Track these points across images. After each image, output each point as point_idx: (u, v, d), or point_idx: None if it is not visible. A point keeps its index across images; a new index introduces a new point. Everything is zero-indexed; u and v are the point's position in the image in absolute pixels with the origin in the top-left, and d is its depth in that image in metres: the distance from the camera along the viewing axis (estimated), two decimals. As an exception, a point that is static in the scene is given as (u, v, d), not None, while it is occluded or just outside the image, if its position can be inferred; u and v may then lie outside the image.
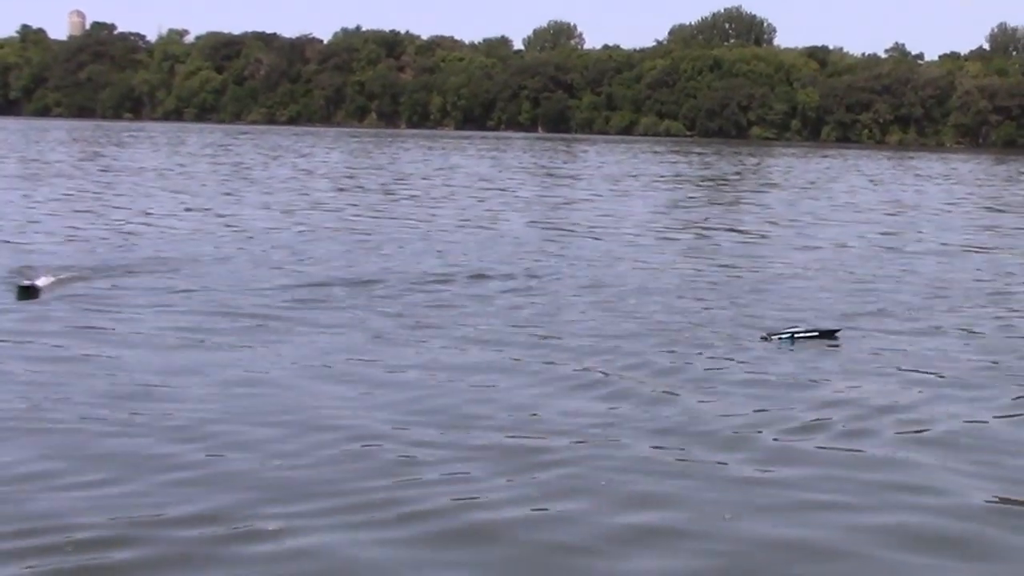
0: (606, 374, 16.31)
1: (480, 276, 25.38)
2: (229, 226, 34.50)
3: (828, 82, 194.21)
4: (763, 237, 36.02)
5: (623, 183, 62.29)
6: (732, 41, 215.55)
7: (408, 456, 12.46)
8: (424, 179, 60.55)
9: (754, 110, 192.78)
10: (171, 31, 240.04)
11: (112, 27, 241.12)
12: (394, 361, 16.80)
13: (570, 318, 20.58)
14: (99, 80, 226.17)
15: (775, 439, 13.43)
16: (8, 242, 29.08)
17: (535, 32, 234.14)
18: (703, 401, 15.05)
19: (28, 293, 20.96)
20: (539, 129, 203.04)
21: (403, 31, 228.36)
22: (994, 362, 17.82)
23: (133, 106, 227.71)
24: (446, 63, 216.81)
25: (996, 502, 11.71)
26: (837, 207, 49.89)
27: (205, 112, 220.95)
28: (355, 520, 10.69)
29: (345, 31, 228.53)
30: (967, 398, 15.55)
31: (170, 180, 54.24)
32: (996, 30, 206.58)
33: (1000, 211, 50.99)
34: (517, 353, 17.50)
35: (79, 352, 16.69)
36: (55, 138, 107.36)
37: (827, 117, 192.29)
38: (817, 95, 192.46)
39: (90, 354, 16.67)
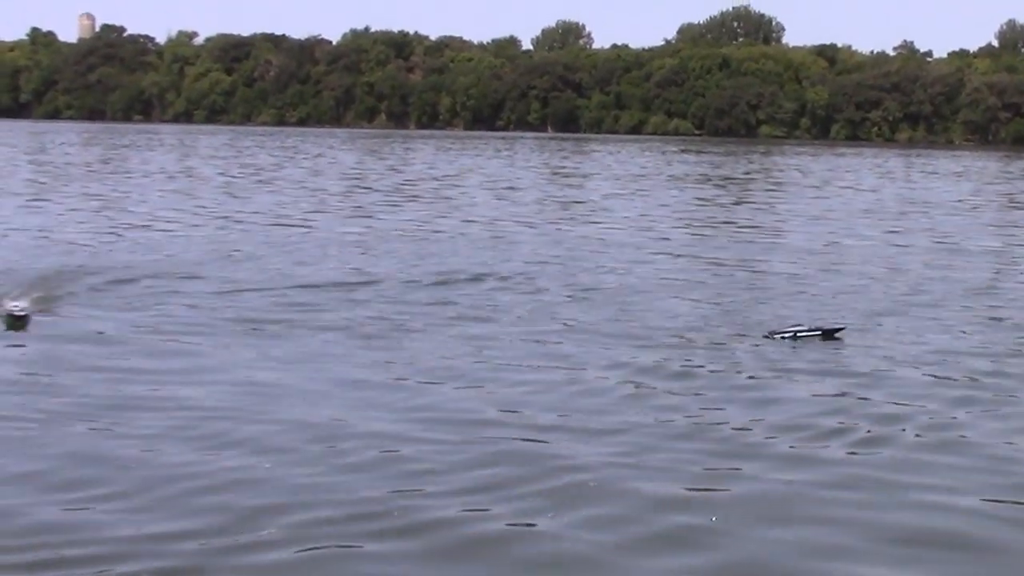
0: (610, 376, 16.33)
1: (495, 276, 25.52)
2: (260, 227, 34.70)
3: (837, 80, 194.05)
4: (776, 235, 36.12)
5: (636, 182, 62.34)
6: (741, 40, 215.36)
7: (420, 462, 12.43)
8: (438, 179, 60.71)
9: (763, 109, 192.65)
10: (180, 33, 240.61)
11: (122, 29, 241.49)
12: (401, 364, 16.86)
13: (575, 318, 20.62)
14: (109, 82, 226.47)
15: (783, 443, 13.45)
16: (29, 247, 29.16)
17: (544, 32, 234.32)
18: (708, 404, 15.05)
19: (17, 323, 18.77)
20: (548, 129, 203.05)
21: (412, 32, 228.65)
22: (1002, 361, 17.84)
23: (143, 108, 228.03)
24: (455, 63, 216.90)
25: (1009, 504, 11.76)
26: (849, 205, 49.93)
27: (215, 114, 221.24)
28: (365, 530, 10.67)
29: (354, 32, 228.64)
30: (974, 399, 15.56)
31: (200, 182, 54.49)
32: (1005, 27, 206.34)
33: (1018, 208, 51.09)
34: (523, 356, 17.53)
35: (71, 365, 16.49)
36: (67, 140, 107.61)
37: (836, 115, 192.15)
38: (826, 93, 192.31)
39: (90, 364, 16.61)
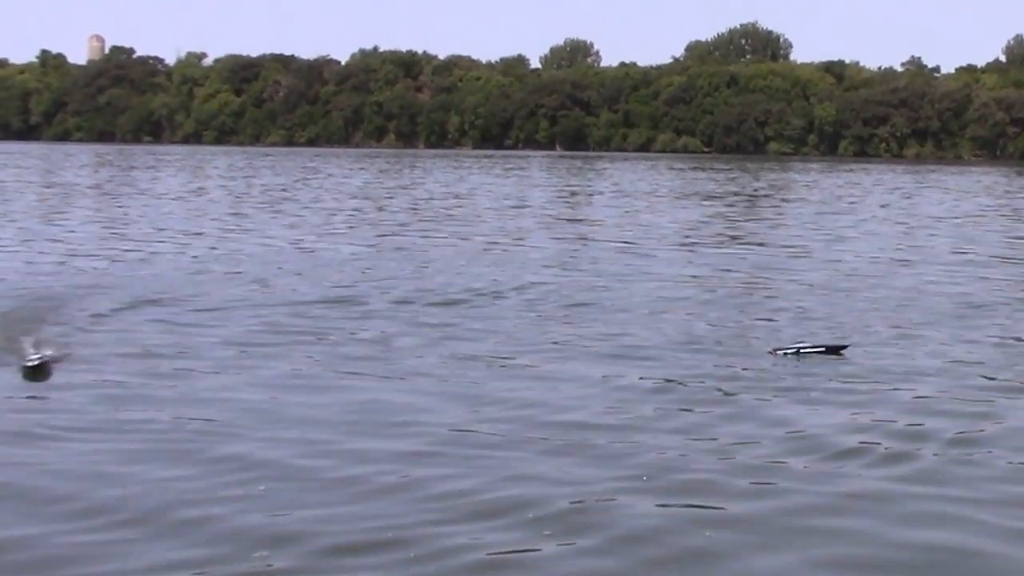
0: (612, 394, 16.19)
1: (498, 293, 25.50)
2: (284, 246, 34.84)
3: (845, 96, 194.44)
4: (785, 250, 36.06)
5: (648, 199, 62.46)
6: (748, 57, 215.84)
7: (428, 486, 12.19)
8: (456, 198, 60.91)
9: (771, 125, 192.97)
10: (189, 54, 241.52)
11: (131, 51, 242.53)
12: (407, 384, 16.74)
13: (577, 334, 20.53)
14: (118, 104, 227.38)
15: (799, 462, 13.23)
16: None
17: (552, 50, 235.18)
18: (716, 420, 14.89)
19: (37, 373, 16.52)
20: (557, 147, 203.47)
21: (420, 51, 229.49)
22: (1012, 372, 17.81)
23: (152, 129, 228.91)
24: (463, 82, 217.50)
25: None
26: (859, 220, 49.99)
27: (224, 135, 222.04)
28: (376, 562, 10.42)
29: (363, 52, 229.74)
30: (988, 414, 15.43)
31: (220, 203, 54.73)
32: (1012, 42, 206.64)
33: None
34: (526, 374, 17.36)
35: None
36: (79, 161, 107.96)
37: (844, 131, 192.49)
38: (834, 109, 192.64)
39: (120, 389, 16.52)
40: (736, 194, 71.57)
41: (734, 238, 41.19)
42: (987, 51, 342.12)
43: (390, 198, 61.17)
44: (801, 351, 18.63)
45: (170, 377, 16.75)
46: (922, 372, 17.74)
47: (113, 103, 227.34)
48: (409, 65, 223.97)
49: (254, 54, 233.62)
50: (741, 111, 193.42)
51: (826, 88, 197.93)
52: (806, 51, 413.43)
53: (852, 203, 63.54)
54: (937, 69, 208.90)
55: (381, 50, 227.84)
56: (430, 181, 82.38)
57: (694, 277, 29.26)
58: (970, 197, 72.69)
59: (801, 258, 34.27)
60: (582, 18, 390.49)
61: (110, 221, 43.83)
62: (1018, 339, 20.86)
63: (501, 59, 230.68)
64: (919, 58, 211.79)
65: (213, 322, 21.36)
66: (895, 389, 16.62)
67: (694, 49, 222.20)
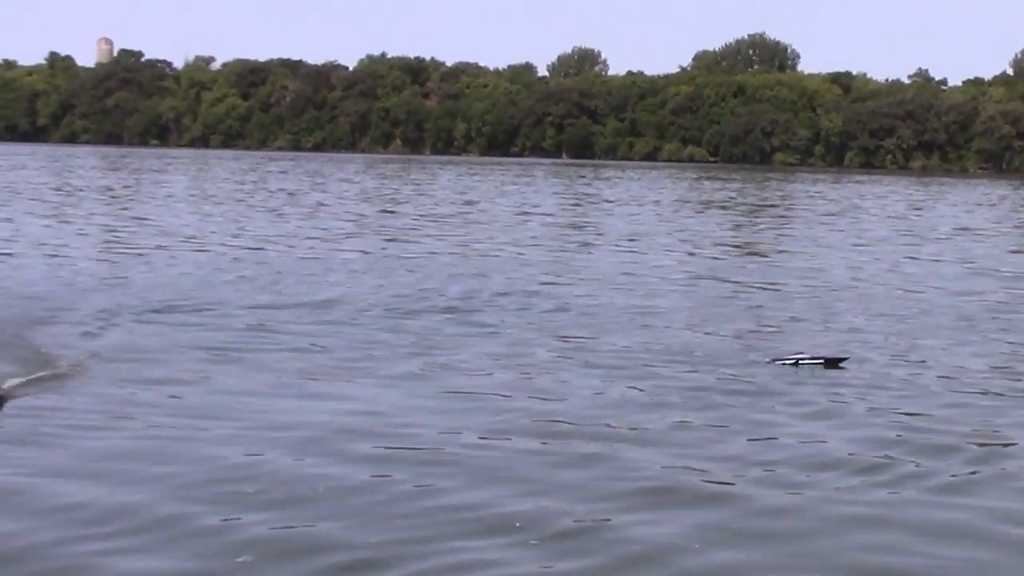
0: (613, 403, 16.05)
1: (512, 298, 25.67)
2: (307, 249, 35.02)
3: (851, 108, 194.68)
4: (796, 262, 36.05)
5: (655, 208, 62.63)
6: (756, 67, 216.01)
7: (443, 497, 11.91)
8: (466, 204, 61.12)
9: (778, 136, 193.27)
10: (197, 58, 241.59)
11: (139, 54, 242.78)
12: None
13: (580, 343, 20.47)
14: (126, 107, 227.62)
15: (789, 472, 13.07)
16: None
17: (559, 58, 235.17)
18: (715, 434, 14.65)
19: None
20: (563, 155, 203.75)
21: (428, 58, 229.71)
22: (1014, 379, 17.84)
23: (159, 133, 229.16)
24: (471, 89, 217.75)
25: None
26: (864, 231, 50.05)
27: (231, 139, 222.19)
28: None
29: (370, 58, 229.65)
30: (1001, 424, 15.38)
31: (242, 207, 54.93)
32: (1020, 55, 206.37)
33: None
34: (527, 382, 17.24)
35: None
36: (89, 163, 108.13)
37: (850, 143, 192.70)
38: (840, 121, 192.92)
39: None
40: (743, 204, 71.79)
41: (738, 247, 41.31)
42: (994, 64, 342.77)
43: (405, 203, 61.38)
44: (800, 362, 18.52)
45: (160, 382, 16.48)
46: (922, 386, 17.55)
47: (121, 106, 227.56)
48: (416, 71, 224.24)
49: (262, 59, 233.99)
50: (748, 121, 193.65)
51: (833, 99, 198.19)
52: (813, 62, 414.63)
53: (860, 214, 63.66)
54: (944, 82, 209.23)
55: (389, 56, 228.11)
56: (439, 187, 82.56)
57: (694, 287, 29.26)
58: (981, 210, 72.83)
59: (805, 269, 34.20)
60: (590, 26, 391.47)
61: (111, 226, 43.98)
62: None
63: (508, 66, 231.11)
64: (926, 70, 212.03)
65: (212, 324, 21.31)
66: (893, 402, 16.41)
67: (701, 59, 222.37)
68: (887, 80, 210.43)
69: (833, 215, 62.60)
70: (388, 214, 53.53)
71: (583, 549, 10.62)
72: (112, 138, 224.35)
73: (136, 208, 53.28)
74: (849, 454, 13.77)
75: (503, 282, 28.62)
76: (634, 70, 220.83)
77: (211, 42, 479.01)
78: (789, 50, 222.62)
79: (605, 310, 24.53)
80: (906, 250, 41.58)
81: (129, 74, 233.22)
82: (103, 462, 12.74)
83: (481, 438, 14.05)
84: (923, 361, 19.55)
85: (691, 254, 38.01)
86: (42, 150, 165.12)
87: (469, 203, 63.72)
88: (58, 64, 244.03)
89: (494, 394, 16.35)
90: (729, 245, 41.94)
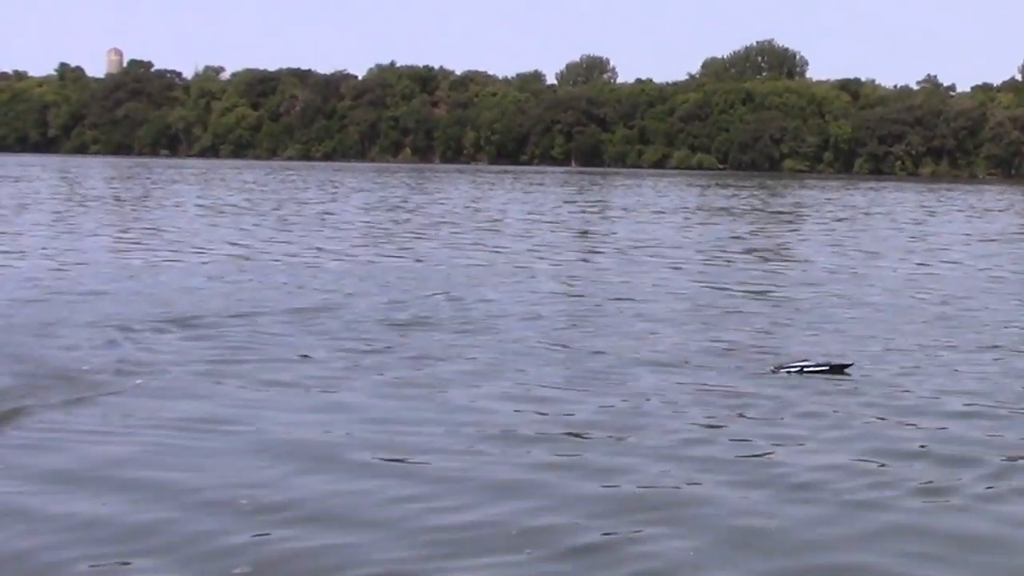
0: (614, 410, 15.83)
1: (525, 304, 25.59)
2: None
3: (860, 114, 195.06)
4: (800, 267, 36.05)
5: (665, 215, 62.81)
6: (764, 74, 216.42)
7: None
8: (479, 211, 61.36)
9: (787, 143, 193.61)
10: (207, 68, 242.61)
11: (149, 65, 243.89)
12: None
13: (583, 347, 20.31)
14: (136, 117, 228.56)
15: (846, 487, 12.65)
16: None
17: (568, 66, 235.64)
18: (720, 445, 14.28)
19: None
20: (572, 163, 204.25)
21: (437, 66, 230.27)
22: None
23: (169, 143, 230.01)
24: (480, 98, 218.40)
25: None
26: (875, 238, 50.07)
27: (241, 148, 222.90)
28: None
29: (379, 67, 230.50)
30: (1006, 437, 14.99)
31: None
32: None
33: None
34: (530, 387, 17.09)
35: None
36: (102, 174, 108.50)
37: (859, 149, 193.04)
38: (849, 127, 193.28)
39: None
40: (753, 210, 71.94)
41: (746, 253, 41.30)
42: (1003, 70, 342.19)
43: (416, 211, 61.63)
44: (804, 370, 18.16)
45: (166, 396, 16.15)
46: (929, 394, 17.17)
47: (131, 116, 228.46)
48: (426, 80, 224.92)
49: (271, 68, 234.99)
50: (757, 128, 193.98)
51: (842, 106, 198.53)
52: (822, 69, 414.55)
53: (870, 221, 63.76)
54: (953, 87, 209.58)
55: (398, 65, 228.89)
56: (458, 196, 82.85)
57: (698, 292, 29.07)
58: (993, 216, 72.87)
59: (819, 275, 34.09)
60: (598, 34, 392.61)
61: (123, 233, 44.29)
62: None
63: (517, 75, 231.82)
64: (935, 76, 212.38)
65: (218, 333, 21.04)
66: (900, 410, 16.12)
67: (710, 66, 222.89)
68: (896, 86, 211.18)
69: (842, 221, 62.68)
70: (419, 223, 53.73)
71: (599, 565, 10.27)
72: (122, 148, 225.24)
73: (151, 219, 53.54)
74: (861, 463, 13.50)
75: (514, 289, 28.55)
76: (643, 78, 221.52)
77: (221, 52, 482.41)
78: (798, 57, 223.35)
79: (610, 318, 24.25)
80: (921, 257, 41.57)
81: (139, 84, 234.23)
82: (107, 470, 12.61)
83: (488, 449, 13.72)
84: (933, 368, 19.14)
85: (703, 261, 37.96)
86: (53, 161, 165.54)
87: (478, 210, 63.98)
88: (68, 75, 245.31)
89: (504, 405, 16.03)
90: (740, 251, 41.92)
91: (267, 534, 10.73)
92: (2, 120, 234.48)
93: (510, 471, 12.85)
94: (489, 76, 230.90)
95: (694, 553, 10.58)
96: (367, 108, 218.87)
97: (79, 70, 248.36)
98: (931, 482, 12.86)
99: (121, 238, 41.85)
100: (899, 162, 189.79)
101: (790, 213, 71.01)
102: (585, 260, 37.43)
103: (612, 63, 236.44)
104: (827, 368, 18.32)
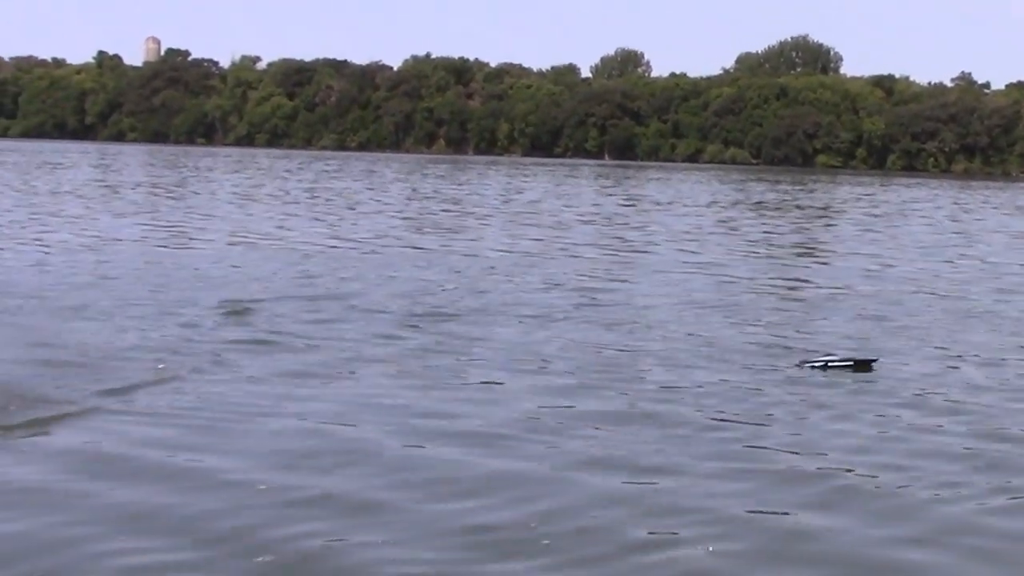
0: (656, 403, 15.67)
1: (561, 298, 25.56)
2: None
3: (894, 111, 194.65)
4: (830, 262, 36.00)
5: (699, 209, 63.16)
6: (799, 69, 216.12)
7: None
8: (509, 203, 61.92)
9: (820, 138, 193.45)
10: (244, 58, 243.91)
11: (186, 53, 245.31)
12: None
13: (611, 340, 20.30)
14: (173, 106, 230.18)
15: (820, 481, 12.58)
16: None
17: (603, 60, 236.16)
18: (747, 433, 14.28)
19: None
20: (605, 156, 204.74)
21: (472, 58, 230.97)
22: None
23: (205, 131, 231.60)
24: (514, 90, 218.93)
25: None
26: (910, 234, 50.13)
27: (276, 138, 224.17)
28: None
29: (415, 58, 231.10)
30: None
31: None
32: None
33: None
34: (549, 381, 16.88)
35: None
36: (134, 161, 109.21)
37: (893, 146, 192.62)
38: (883, 124, 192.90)
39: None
40: (787, 205, 72.23)
41: (779, 248, 41.58)
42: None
43: (457, 202, 62.27)
44: (829, 364, 18.02)
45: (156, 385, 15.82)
46: (956, 391, 16.95)
47: (167, 105, 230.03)
48: (461, 72, 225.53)
49: (307, 58, 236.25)
50: (790, 123, 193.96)
51: (875, 102, 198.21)
52: (856, 65, 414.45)
53: (903, 218, 63.86)
54: (987, 85, 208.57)
55: (433, 57, 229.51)
56: (497, 187, 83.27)
57: (728, 287, 28.93)
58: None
59: (857, 270, 34.09)
60: (633, 28, 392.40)
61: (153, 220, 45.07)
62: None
63: (552, 68, 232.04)
64: (969, 73, 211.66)
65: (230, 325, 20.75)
66: (921, 406, 15.93)
67: (744, 61, 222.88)
68: (930, 83, 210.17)
69: (879, 216, 62.75)
70: (460, 214, 54.38)
71: (641, 567, 10.02)
72: (159, 136, 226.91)
73: (200, 205, 54.45)
74: (890, 462, 13.24)
75: (549, 280, 28.69)
76: (677, 72, 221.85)
77: (257, 42, 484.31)
78: (832, 53, 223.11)
79: (630, 309, 24.20)
80: (953, 253, 41.61)
81: (176, 73, 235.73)
82: (148, 457, 12.54)
83: (524, 445, 13.47)
84: (961, 366, 18.92)
85: (736, 255, 38.03)
86: (92, 147, 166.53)
87: (511, 202, 64.60)
88: (106, 63, 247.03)
89: (538, 398, 15.75)
90: (775, 247, 42.09)
91: (290, 526, 10.60)
92: (40, 107, 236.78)
93: (548, 469, 12.55)
94: (524, 68, 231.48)
95: (735, 558, 10.29)
96: (402, 99, 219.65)
97: (117, 58, 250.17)
98: (958, 483, 12.62)
99: (171, 225, 42.66)
100: (932, 159, 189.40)
101: (824, 208, 71.28)
102: (615, 254, 37.54)
103: (646, 57, 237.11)
104: (852, 364, 18.19)
